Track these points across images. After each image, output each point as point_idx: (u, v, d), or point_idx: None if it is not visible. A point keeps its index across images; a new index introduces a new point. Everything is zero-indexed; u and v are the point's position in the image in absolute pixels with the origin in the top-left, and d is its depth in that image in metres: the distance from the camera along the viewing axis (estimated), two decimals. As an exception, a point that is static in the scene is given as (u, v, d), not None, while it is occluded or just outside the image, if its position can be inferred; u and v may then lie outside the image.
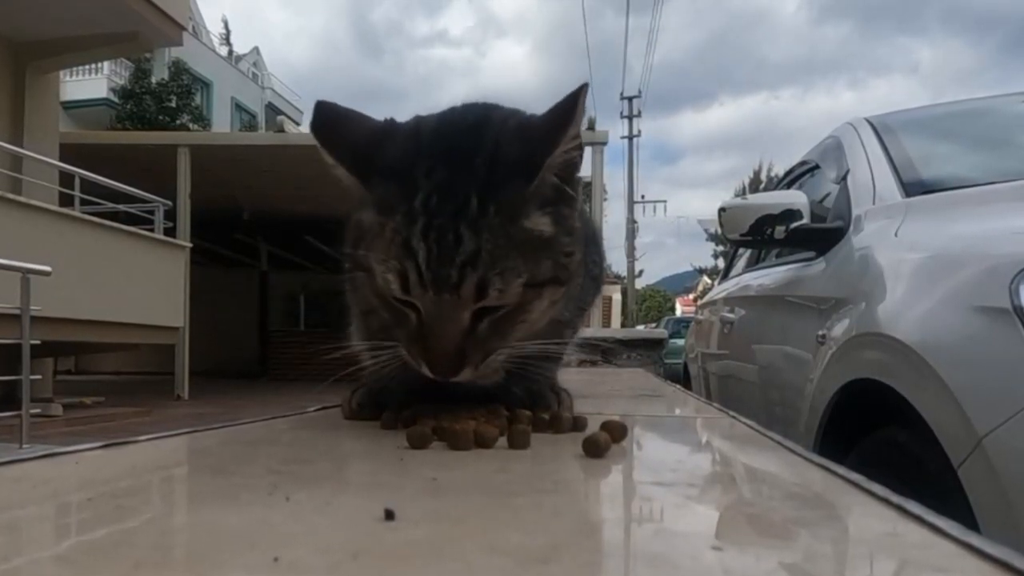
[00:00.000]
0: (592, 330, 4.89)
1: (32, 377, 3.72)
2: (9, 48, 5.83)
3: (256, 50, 27.47)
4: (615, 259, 23.93)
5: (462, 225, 0.61)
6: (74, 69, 14.94)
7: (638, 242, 25.28)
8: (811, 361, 1.72)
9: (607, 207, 20.16)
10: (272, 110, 24.78)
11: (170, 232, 6.38)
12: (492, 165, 0.63)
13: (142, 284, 5.76)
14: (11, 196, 4.63)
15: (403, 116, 0.73)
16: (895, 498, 0.41)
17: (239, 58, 25.75)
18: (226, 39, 26.06)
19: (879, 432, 1.39)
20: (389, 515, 0.36)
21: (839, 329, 1.57)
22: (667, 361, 6.46)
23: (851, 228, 1.79)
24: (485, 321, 0.64)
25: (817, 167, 2.45)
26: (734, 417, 0.89)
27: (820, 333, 1.68)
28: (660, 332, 6.33)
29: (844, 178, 2.02)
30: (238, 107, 23.11)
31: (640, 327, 17.55)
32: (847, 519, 0.43)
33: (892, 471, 1.23)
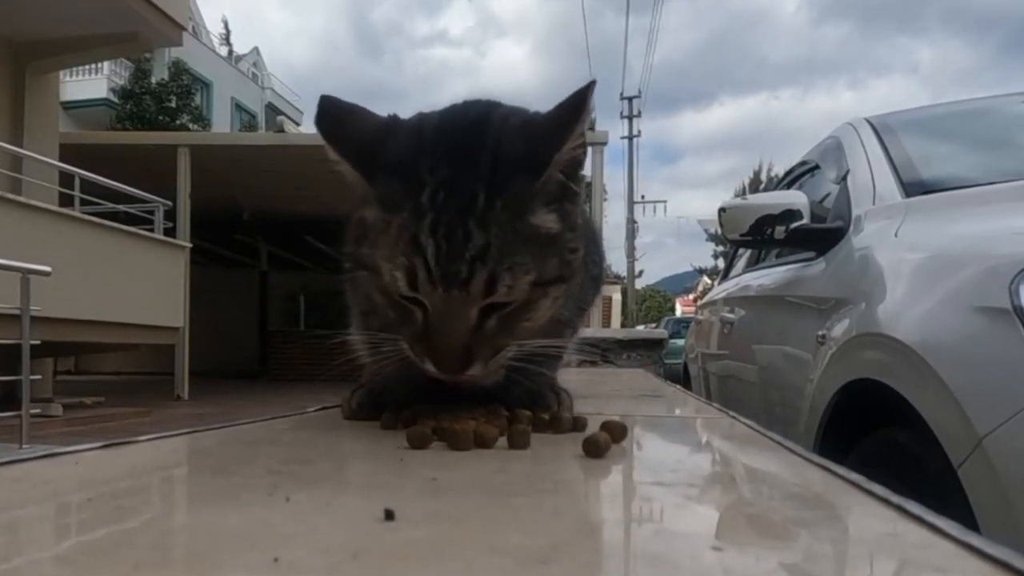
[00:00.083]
0: (592, 330, 4.89)
1: (32, 377, 3.71)
2: (9, 48, 5.83)
3: (256, 50, 27.48)
4: (615, 259, 23.92)
5: (470, 221, 0.61)
6: (74, 69, 14.95)
7: (638, 242, 25.28)
8: (811, 361, 1.72)
9: (607, 207, 20.21)
10: (272, 110, 24.79)
11: (170, 232, 6.38)
12: (498, 161, 0.63)
13: (142, 284, 5.76)
14: (11, 196, 4.62)
15: (404, 115, 0.73)
16: (895, 498, 0.41)
17: (239, 58, 25.75)
18: (226, 39, 26.10)
19: (879, 432, 1.39)
20: (389, 515, 0.36)
21: (839, 329, 1.57)
22: (667, 361, 6.47)
23: (851, 228, 1.79)
24: (492, 318, 0.64)
25: (817, 167, 2.45)
26: (734, 417, 0.89)
27: (820, 333, 1.68)
28: (660, 332, 6.33)
29: (844, 178, 2.03)
30: (238, 107, 23.11)
31: (640, 327, 17.54)
32: (847, 519, 0.43)
33: (892, 471, 1.23)
